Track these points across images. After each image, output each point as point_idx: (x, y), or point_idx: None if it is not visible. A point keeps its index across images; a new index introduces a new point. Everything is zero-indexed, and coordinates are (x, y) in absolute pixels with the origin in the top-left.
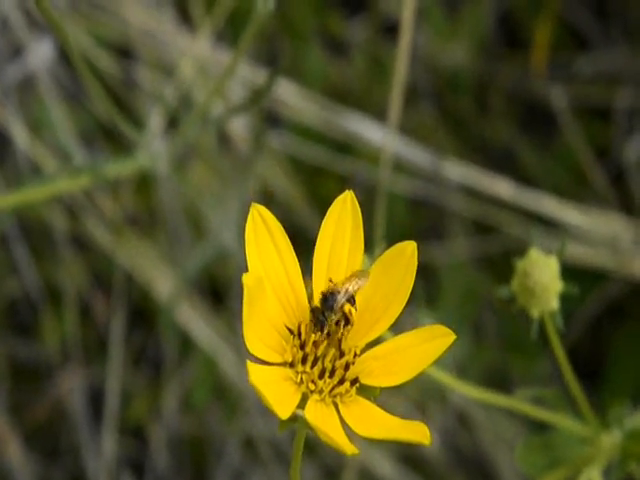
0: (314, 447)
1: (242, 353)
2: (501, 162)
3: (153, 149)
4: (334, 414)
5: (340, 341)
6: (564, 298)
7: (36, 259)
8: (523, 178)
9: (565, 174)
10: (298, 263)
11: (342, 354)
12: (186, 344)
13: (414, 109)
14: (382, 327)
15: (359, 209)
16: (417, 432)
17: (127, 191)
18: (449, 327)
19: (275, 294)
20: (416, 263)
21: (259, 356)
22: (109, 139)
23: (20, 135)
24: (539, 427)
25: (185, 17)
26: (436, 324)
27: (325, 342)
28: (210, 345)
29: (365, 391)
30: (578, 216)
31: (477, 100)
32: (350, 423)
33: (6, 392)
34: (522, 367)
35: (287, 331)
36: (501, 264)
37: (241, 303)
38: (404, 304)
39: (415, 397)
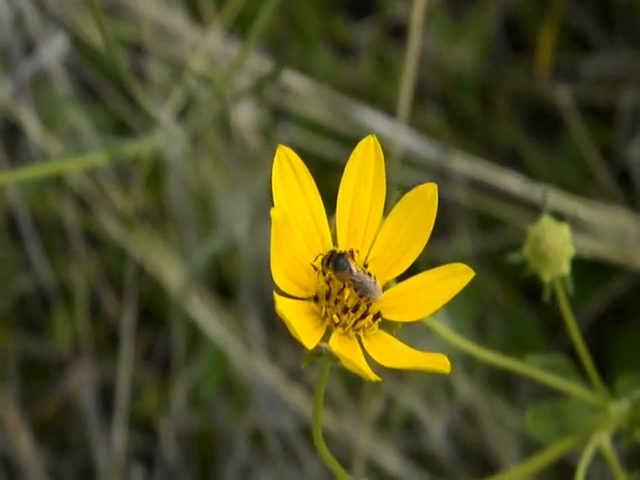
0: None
1: (251, 348)
2: (507, 161)
3: (168, 131)
4: (357, 346)
5: None
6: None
7: (48, 255)
8: (529, 177)
9: (571, 173)
10: (322, 204)
11: None
12: (195, 339)
13: (421, 109)
14: (403, 266)
15: (381, 152)
16: (438, 362)
17: (138, 185)
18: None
19: (300, 232)
20: (436, 205)
21: (285, 290)
22: (123, 136)
23: (33, 129)
24: None
25: (195, 13)
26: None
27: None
28: (219, 339)
29: (387, 326)
30: (584, 210)
31: (483, 101)
32: (373, 355)
33: (17, 387)
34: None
35: (312, 268)
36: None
37: (251, 297)
38: (424, 244)
39: (422, 391)
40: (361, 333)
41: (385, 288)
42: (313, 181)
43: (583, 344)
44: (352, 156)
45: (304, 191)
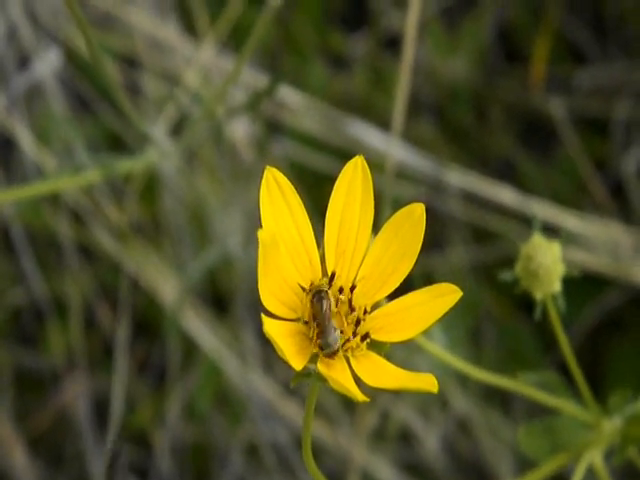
0: (318, 454)
1: (246, 361)
2: (501, 173)
3: (162, 147)
4: (345, 367)
5: (351, 299)
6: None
7: (42, 269)
8: (523, 188)
9: (565, 185)
10: (311, 225)
11: (353, 310)
12: (190, 352)
13: (415, 121)
14: (392, 285)
15: (369, 173)
16: (426, 382)
17: (132, 199)
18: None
19: (289, 254)
20: (424, 224)
21: (273, 312)
22: (116, 149)
23: (27, 143)
24: None
25: (189, 26)
26: (443, 282)
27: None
28: (214, 352)
29: (375, 347)
30: (578, 223)
31: (477, 112)
32: (361, 375)
33: (11, 400)
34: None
35: (300, 289)
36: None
37: (245, 310)
38: (412, 264)
39: (417, 403)
40: (349, 354)
41: (375, 308)
42: (301, 202)
43: (576, 359)
44: (340, 177)
45: (292, 213)
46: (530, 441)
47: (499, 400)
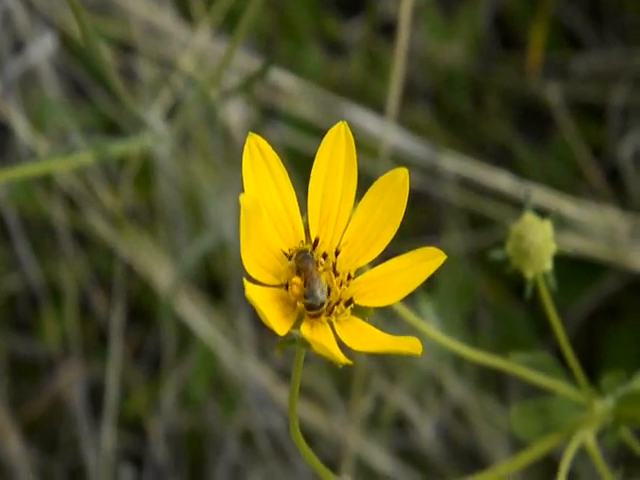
0: (312, 440)
1: (241, 347)
2: (497, 159)
3: (156, 131)
4: (329, 331)
5: (335, 264)
6: (560, 294)
7: (37, 255)
8: (519, 174)
9: (561, 171)
10: (294, 192)
11: (336, 276)
12: (185, 338)
13: (411, 107)
14: (375, 252)
15: (352, 139)
16: (410, 345)
17: (127, 184)
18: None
19: (272, 220)
20: (408, 190)
21: (256, 278)
22: (112, 135)
23: (22, 128)
24: None
25: (185, 12)
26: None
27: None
28: (209, 339)
29: (359, 312)
30: (574, 208)
31: (473, 98)
32: (345, 340)
33: (6, 387)
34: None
35: (283, 255)
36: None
37: (240, 296)
38: (396, 230)
39: (412, 390)
40: (333, 319)
41: (358, 273)
42: (284, 168)
43: (573, 345)
44: (323, 143)
45: (275, 178)
46: (523, 421)
47: (494, 387)
